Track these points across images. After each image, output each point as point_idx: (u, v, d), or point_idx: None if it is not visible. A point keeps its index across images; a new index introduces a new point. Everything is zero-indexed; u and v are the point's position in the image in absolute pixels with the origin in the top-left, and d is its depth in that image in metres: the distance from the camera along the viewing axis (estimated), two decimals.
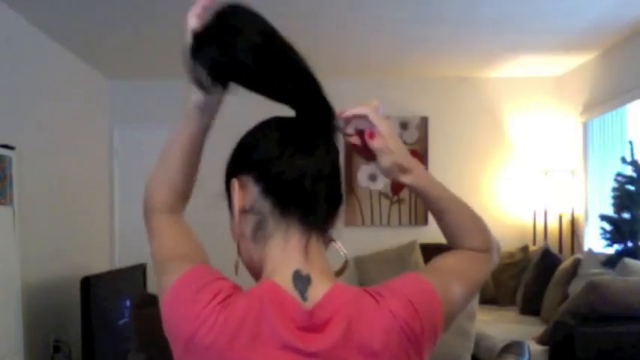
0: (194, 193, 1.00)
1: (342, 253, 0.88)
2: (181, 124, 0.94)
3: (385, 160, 0.91)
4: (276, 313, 0.78)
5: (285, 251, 0.83)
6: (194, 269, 0.83)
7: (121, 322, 4.24)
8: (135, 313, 2.51)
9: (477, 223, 1.00)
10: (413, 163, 0.94)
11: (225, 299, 0.78)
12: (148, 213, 0.97)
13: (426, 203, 0.98)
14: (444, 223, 0.99)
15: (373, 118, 0.91)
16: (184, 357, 0.79)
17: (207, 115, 0.92)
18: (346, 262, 0.89)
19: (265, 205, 0.84)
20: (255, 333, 0.77)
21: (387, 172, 0.93)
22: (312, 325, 0.78)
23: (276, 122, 0.88)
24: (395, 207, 5.84)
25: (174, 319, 0.80)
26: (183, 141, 0.94)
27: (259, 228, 0.85)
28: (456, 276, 0.93)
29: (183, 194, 0.98)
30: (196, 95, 0.89)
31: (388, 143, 0.90)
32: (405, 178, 0.93)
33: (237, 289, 0.82)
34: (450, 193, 0.99)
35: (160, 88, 5.82)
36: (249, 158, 0.86)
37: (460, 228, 0.99)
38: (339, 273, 0.88)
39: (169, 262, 0.87)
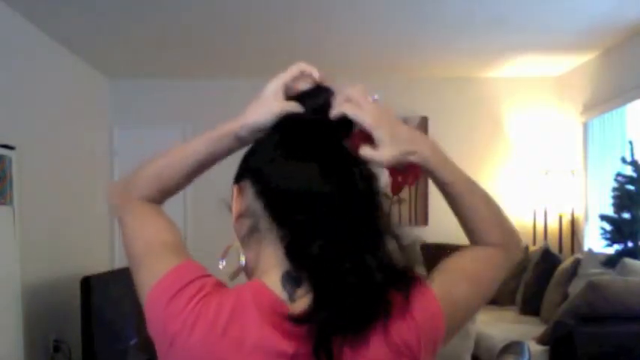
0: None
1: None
2: (206, 140, 0.93)
3: (387, 154, 0.84)
4: (259, 314, 0.77)
5: (278, 253, 0.82)
6: (179, 267, 0.82)
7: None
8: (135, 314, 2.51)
9: (493, 214, 0.94)
10: (415, 142, 0.87)
11: (204, 297, 0.78)
12: (127, 197, 0.95)
13: (436, 185, 0.92)
14: (456, 209, 0.93)
15: (360, 117, 0.84)
16: (167, 356, 0.79)
17: (238, 145, 0.92)
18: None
19: (258, 208, 0.83)
20: (236, 333, 0.76)
21: (391, 164, 0.86)
22: (297, 327, 0.76)
23: (282, 124, 0.87)
24: (395, 207, 5.84)
25: (158, 319, 0.80)
26: (201, 156, 0.93)
27: (253, 230, 0.84)
28: (468, 281, 0.89)
29: (167, 193, 0.97)
30: (244, 125, 0.89)
31: (385, 136, 0.83)
32: (411, 158, 0.87)
33: (219, 287, 0.81)
34: (464, 175, 0.92)
35: (159, 88, 5.83)
36: (247, 163, 0.87)
37: (474, 218, 0.93)
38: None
39: (152, 253, 0.86)
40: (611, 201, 4.37)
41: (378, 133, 0.84)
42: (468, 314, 0.91)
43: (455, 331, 0.87)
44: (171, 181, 0.95)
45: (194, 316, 0.77)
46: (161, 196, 0.96)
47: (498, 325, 4.30)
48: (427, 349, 0.81)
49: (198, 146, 0.93)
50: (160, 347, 0.80)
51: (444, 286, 0.86)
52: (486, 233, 0.93)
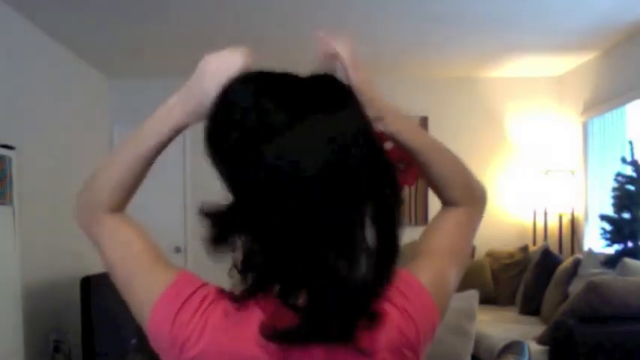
0: None
1: None
2: (152, 129, 0.94)
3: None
4: (264, 315, 0.77)
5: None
6: (177, 281, 0.81)
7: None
8: None
9: (460, 173, 0.96)
10: (385, 108, 0.89)
11: (210, 304, 0.78)
12: (93, 213, 0.90)
13: (406, 151, 0.93)
14: (426, 173, 0.95)
15: (347, 62, 0.86)
16: None
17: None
18: None
19: None
20: (243, 332, 0.77)
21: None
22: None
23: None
24: None
25: (164, 336, 0.79)
26: (151, 146, 0.91)
27: None
28: (447, 258, 0.91)
29: (131, 195, 0.92)
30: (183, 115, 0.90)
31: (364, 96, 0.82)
32: (377, 126, 0.87)
33: (221, 293, 0.81)
34: (430, 139, 0.95)
35: (159, 88, 5.79)
36: None
37: (443, 180, 0.95)
38: None
39: (140, 271, 0.84)
40: (611, 201, 4.38)
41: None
42: (455, 288, 0.92)
43: (446, 309, 0.89)
44: (134, 182, 0.91)
45: (203, 322, 0.77)
46: (127, 199, 0.92)
47: (498, 325, 4.30)
48: (426, 339, 0.84)
49: (150, 141, 0.92)
50: (168, 358, 0.80)
51: (429, 273, 0.87)
52: (454, 193, 0.94)
